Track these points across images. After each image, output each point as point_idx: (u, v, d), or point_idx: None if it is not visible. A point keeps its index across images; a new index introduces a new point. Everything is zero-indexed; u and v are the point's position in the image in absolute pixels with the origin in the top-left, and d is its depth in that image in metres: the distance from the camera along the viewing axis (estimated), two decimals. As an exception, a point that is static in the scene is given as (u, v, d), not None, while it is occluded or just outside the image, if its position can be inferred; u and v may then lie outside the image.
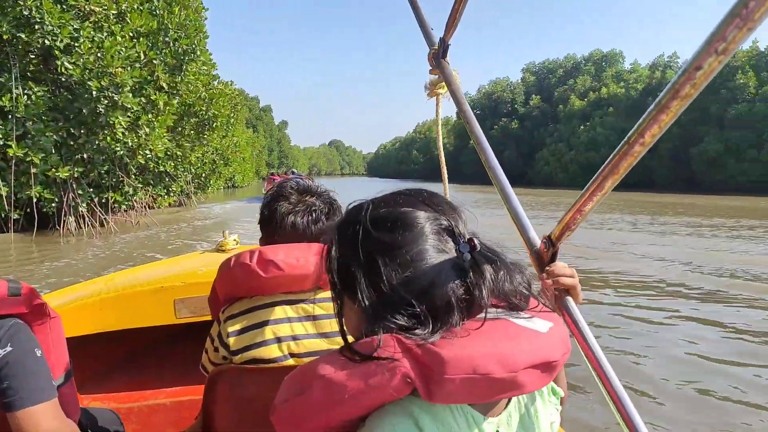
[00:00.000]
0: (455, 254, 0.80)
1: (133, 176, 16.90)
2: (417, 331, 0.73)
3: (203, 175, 27.08)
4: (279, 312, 1.39)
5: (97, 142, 14.61)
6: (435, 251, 0.79)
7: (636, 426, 0.86)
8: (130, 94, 13.93)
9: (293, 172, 34.36)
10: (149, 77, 14.62)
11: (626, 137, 0.77)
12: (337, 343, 1.34)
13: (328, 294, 1.38)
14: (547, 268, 1.09)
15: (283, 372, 1.18)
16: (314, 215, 1.47)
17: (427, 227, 0.81)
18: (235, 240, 3.19)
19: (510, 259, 0.84)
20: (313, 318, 1.40)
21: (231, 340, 1.38)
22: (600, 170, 0.85)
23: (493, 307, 0.79)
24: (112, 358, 2.94)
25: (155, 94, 14.83)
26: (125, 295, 2.41)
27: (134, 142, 14.97)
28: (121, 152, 14.80)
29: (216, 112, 18.33)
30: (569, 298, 1.05)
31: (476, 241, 0.79)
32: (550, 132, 72.90)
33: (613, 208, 25.12)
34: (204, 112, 18.05)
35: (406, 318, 0.75)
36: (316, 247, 1.40)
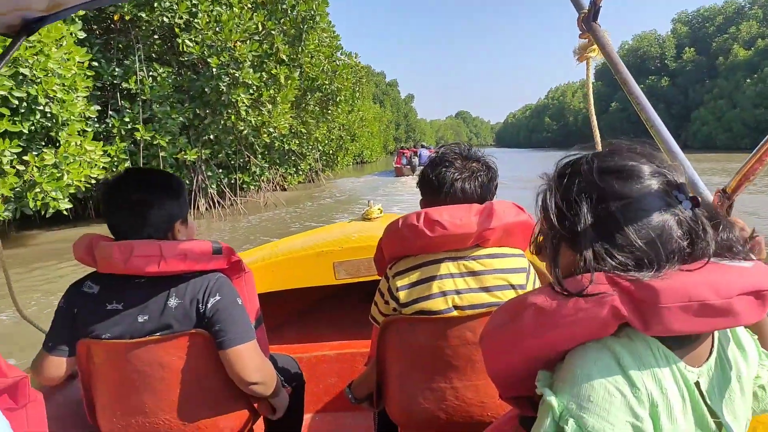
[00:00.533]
0: (678, 209, 0.82)
1: (259, 156, 16.43)
2: (632, 272, 0.77)
3: (330, 151, 26.58)
4: (443, 268, 1.48)
5: (222, 122, 14.17)
6: (662, 203, 0.82)
7: None
8: (251, 70, 13.18)
9: (422, 146, 33.47)
10: (269, 50, 13.78)
11: None
12: (497, 296, 1.47)
13: (487, 251, 1.50)
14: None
15: (447, 322, 1.47)
16: (479, 180, 1.54)
17: (654, 181, 0.83)
18: (379, 209, 3.46)
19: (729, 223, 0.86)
20: (474, 273, 1.49)
21: (401, 294, 1.50)
22: None
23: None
24: (282, 314, 3.24)
25: (276, 68, 13.97)
26: (292, 258, 2.70)
27: (257, 120, 14.32)
28: (246, 131, 14.22)
29: (339, 86, 17.10)
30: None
31: (699, 199, 0.83)
32: (708, 88, 64.69)
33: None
34: (327, 86, 16.88)
35: (629, 262, 0.78)
36: (476, 208, 1.47)
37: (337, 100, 17.45)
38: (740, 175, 1.02)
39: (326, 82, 16.70)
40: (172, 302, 1.45)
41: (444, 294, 1.46)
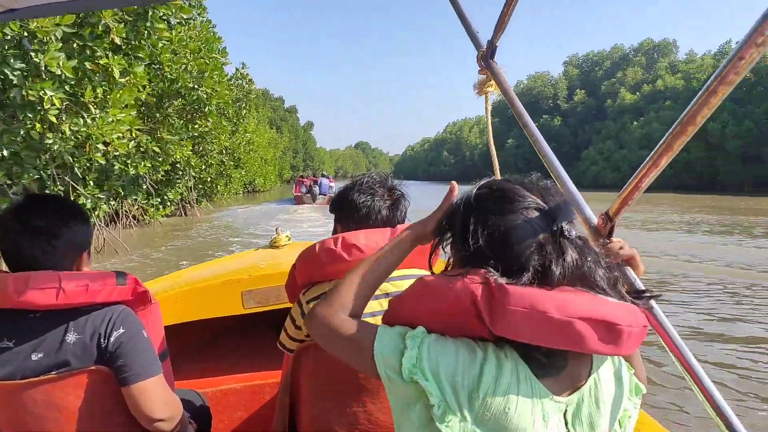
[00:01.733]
0: (542, 233, 0.89)
1: (91, 183, 11.79)
2: (500, 277, 0.85)
3: (209, 179, 21.93)
4: None
5: (22, 132, 9.53)
6: (524, 224, 0.90)
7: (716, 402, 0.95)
8: (62, 55, 8.75)
9: (323, 175, 34.40)
10: (96, 30, 9.47)
11: (680, 118, 0.90)
12: None
13: (399, 273, 1.52)
14: (606, 240, 1.12)
15: None
16: (399, 207, 1.63)
17: (524, 204, 0.92)
18: (287, 236, 3.40)
19: (604, 259, 0.93)
20: (389, 295, 1.51)
21: None
22: (656, 149, 0.98)
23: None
24: (185, 347, 3.03)
25: (107, 57, 9.64)
26: (197, 288, 2.57)
27: (80, 131, 9.82)
28: (57, 146, 9.65)
29: (209, 91, 12.64)
30: (629, 269, 1.06)
31: (566, 228, 0.91)
32: (597, 129, 67.05)
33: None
34: (189, 92, 12.32)
35: (485, 267, 0.87)
36: (389, 231, 1.52)
37: (206, 110, 13.08)
38: (620, 199, 1.12)
39: (190, 85, 12.24)
40: (71, 337, 1.36)
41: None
